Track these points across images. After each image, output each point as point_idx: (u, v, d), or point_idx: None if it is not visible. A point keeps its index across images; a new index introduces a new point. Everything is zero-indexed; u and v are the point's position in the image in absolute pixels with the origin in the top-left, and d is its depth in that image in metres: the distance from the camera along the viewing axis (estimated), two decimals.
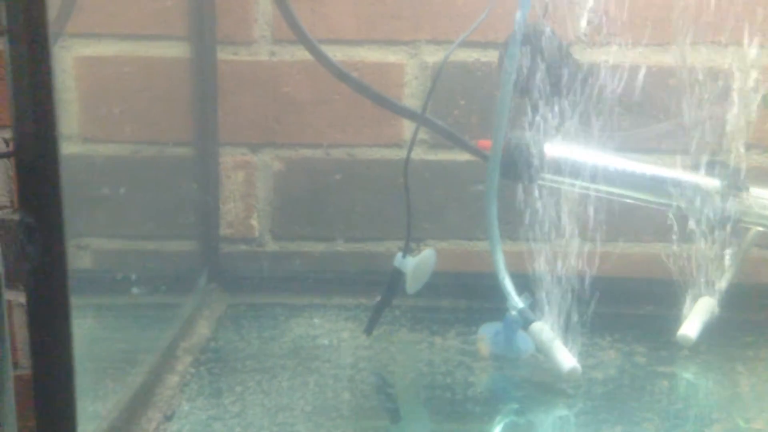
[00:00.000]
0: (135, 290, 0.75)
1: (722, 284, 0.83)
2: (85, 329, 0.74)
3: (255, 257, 0.96)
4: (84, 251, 0.93)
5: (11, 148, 0.45)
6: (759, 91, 0.87)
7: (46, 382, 0.47)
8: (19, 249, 0.45)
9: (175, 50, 0.91)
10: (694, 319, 0.81)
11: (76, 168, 0.90)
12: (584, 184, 0.77)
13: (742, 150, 0.82)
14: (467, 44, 0.89)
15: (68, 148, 0.91)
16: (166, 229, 0.93)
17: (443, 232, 0.95)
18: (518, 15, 0.73)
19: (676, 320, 0.81)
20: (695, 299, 0.82)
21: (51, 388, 0.47)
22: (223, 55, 0.91)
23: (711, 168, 0.79)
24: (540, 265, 0.74)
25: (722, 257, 0.81)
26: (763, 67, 0.89)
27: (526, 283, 0.76)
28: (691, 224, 0.78)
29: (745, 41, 0.81)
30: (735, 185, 0.78)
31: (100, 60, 0.90)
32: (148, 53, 0.90)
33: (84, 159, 0.92)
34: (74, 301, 0.47)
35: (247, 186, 0.95)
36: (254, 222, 0.96)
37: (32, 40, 0.44)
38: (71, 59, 0.90)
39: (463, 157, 0.91)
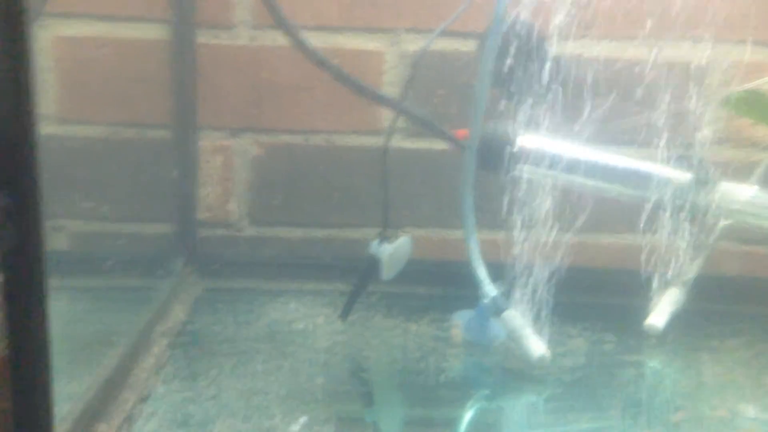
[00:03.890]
0: (110, 267, 0.75)
1: (690, 276, 0.85)
2: (62, 311, 0.74)
3: (232, 242, 0.96)
4: (60, 233, 0.93)
5: None
6: (730, 85, 0.89)
7: (23, 363, 0.47)
8: None
9: (155, 32, 0.91)
10: (662, 309, 0.82)
11: (53, 149, 0.90)
12: (558, 175, 0.79)
13: (713, 144, 0.84)
14: (447, 34, 0.89)
15: (45, 129, 0.90)
16: (143, 212, 0.93)
17: (419, 219, 0.96)
18: (496, 5, 0.74)
19: (644, 310, 0.83)
20: (663, 290, 0.83)
21: (28, 368, 0.47)
22: (203, 38, 0.91)
23: (682, 161, 0.81)
24: (513, 255, 0.75)
25: (691, 249, 0.83)
26: (735, 62, 0.91)
27: (499, 272, 0.77)
28: (661, 217, 0.80)
29: (716, 37, 0.83)
30: (705, 179, 0.80)
31: (79, 40, 0.90)
32: (128, 35, 0.90)
33: (61, 140, 0.91)
34: (51, 282, 0.48)
35: (225, 170, 0.95)
36: (232, 206, 0.96)
37: (10, 20, 0.44)
38: (50, 39, 0.89)
39: (441, 145, 0.92)
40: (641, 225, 0.80)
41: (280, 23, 0.81)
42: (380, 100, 0.88)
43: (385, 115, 0.93)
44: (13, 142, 0.45)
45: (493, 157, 0.78)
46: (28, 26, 0.44)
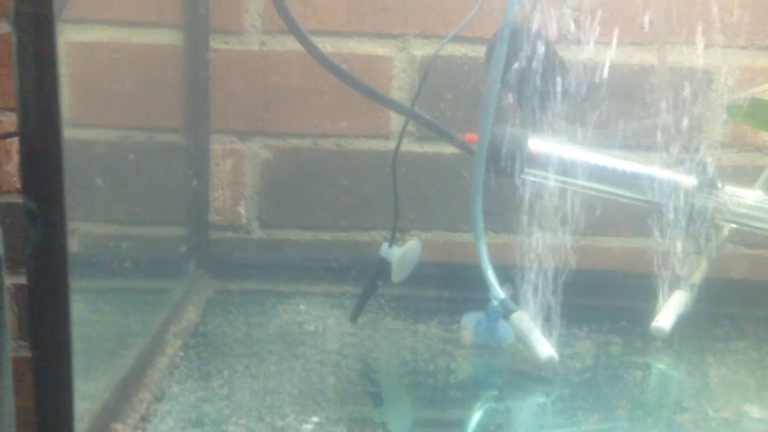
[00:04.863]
0: (123, 269, 0.76)
1: (696, 279, 0.85)
2: (77, 313, 0.75)
3: (242, 244, 0.97)
4: (72, 235, 0.94)
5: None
6: (735, 90, 0.90)
7: (46, 362, 0.48)
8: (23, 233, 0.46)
9: (167, 38, 0.92)
10: (668, 311, 0.83)
11: (66, 152, 0.90)
12: (566, 179, 0.79)
13: (717, 149, 0.85)
14: (455, 39, 0.90)
15: None
16: (155, 215, 0.94)
17: (428, 223, 0.97)
18: (506, 12, 0.75)
19: (651, 313, 0.84)
20: (670, 293, 0.84)
21: (50, 368, 0.48)
22: (214, 43, 0.92)
23: (688, 166, 0.81)
24: (522, 258, 0.76)
25: (696, 253, 0.84)
26: (741, 67, 0.92)
27: (508, 275, 0.78)
28: (668, 221, 0.80)
29: (723, 42, 0.83)
30: (710, 183, 0.81)
31: (91, 46, 0.90)
32: (140, 40, 0.90)
33: (73, 143, 0.92)
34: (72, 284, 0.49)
35: (235, 174, 0.96)
36: (241, 209, 0.97)
37: (39, 28, 0.45)
38: (62, 44, 0.90)
39: (449, 149, 0.93)
40: (647, 229, 0.81)
41: (293, 29, 0.82)
42: (391, 105, 0.89)
43: (394, 119, 0.94)
44: (38, 148, 0.46)
45: (504, 161, 0.78)
46: (54, 36, 0.45)
